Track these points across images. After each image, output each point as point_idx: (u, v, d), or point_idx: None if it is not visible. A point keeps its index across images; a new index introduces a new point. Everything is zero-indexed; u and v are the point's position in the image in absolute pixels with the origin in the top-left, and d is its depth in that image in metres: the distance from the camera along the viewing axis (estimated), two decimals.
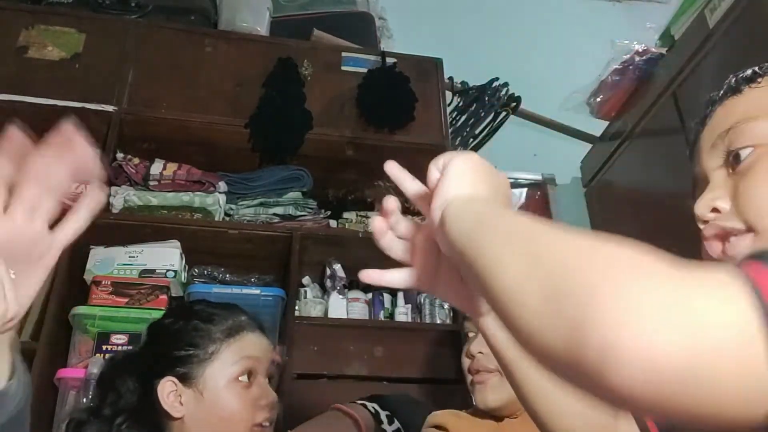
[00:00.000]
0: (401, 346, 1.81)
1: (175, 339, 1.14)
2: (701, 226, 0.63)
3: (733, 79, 0.68)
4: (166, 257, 1.85)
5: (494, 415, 1.10)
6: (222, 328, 1.13)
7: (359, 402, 1.18)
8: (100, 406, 1.12)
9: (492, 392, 1.08)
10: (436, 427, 1.15)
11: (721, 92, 0.68)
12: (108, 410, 1.10)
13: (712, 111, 0.68)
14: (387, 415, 1.16)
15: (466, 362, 1.13)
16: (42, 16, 2.08)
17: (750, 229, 0.59)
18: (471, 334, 1.15)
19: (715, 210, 0.62)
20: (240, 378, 1.10)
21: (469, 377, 1.12)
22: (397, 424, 1.17)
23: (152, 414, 1.09)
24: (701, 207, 0.62)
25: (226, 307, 1.22)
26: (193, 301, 1.75)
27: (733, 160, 0.62)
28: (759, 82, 0.66)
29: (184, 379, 1.10)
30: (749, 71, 0.67)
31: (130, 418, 1.09)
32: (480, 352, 1.10)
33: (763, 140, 0.61)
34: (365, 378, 1.76)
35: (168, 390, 1.09)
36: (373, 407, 1.17)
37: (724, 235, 0.61)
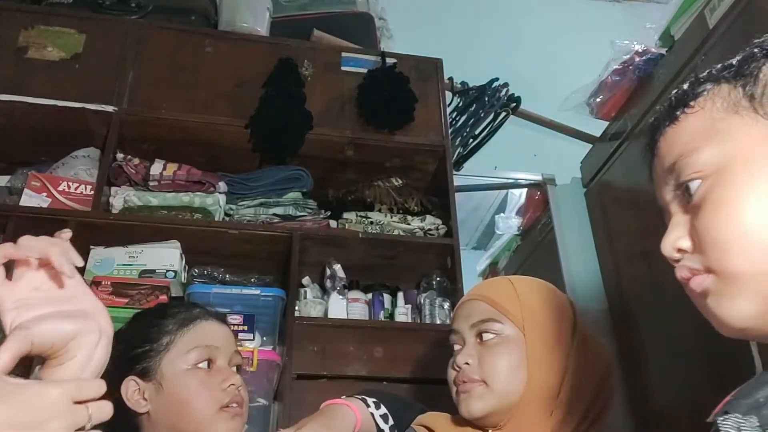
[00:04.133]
0: (401, 346, 1.81)
1: (132, 339, 1.16)
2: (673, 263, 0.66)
3: (668, 102, 0.68)
4: (166, 257, 1.85)
5: (479, 426, 1.10)
6: (174, 320, 1.16)
7: (358, 397, 1.18)
8: None
9: (477, 401, 1.08)
10: (424, 426, 1.16)
11: (660, 118, 0.69)
12: None
13: (656, 141, 0.69)
14: (381, 415, 1.17)
15: (452, 374, 1.13)
16: (42, 17, 2.08)
17: (709, 270, 0.61)
18: (457, 347, 1.15)
19: (680, 250, 0.64)
20: (199, 365, 1.12)
21: (454, 388, 1.12)
22: (391, 421, 1.17)
23: (124, 419, 1.10)
24: (667, 249, 0.65)
25: (180, 304, 1.25)
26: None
27: (684, 192, 0.64)
28: (692, 107, 0.65)
29: (144, 375, 1.12)
30: (682, 91, 0.67)
31: (101, 427, 1.11)
32: (466, 363, 1.10)
33: (708, 169, 0.62)
34: (365, 378, 1.75)
35: (131, 389, 1.11)
36: (373, 401, 1.17)
37: (692, 275, 0.63)
